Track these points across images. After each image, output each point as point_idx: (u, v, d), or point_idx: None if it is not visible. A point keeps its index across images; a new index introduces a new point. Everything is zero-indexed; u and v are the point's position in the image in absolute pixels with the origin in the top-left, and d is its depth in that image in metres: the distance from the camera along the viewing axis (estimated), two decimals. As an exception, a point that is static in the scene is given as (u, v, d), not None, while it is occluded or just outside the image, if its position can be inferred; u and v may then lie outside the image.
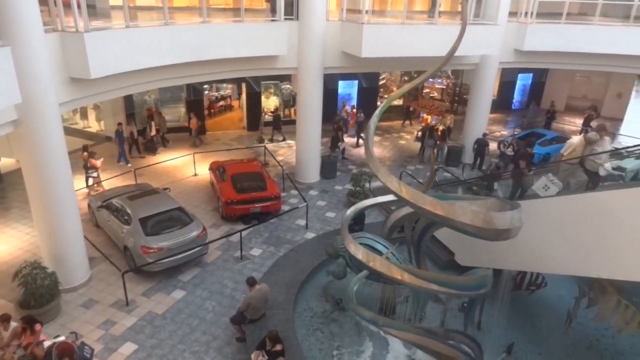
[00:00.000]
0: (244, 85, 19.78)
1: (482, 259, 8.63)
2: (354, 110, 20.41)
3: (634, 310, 7.87)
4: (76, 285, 9.57)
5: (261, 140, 18.59)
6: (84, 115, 19.42)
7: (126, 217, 10.47)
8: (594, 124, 20.67)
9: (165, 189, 12.92)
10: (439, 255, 10.41)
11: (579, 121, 21.89)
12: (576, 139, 9.18)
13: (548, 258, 7.64)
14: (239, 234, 11.03)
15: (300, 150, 14.94)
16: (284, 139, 19.10)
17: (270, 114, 19.72)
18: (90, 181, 13.72)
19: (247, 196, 12.27)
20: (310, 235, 11.99)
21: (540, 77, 25.34)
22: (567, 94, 25.75)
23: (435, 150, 17.25)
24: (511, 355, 8.26)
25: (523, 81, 25.32)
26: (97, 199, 11.85)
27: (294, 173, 15.29)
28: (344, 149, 17.54)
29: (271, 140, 18.84)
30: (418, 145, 18.45)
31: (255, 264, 10.72)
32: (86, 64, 8.36)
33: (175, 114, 19.46)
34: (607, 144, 9.17)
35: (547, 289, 9.46)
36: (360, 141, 18.58)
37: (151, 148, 17.08)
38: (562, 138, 18.90)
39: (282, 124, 19.48)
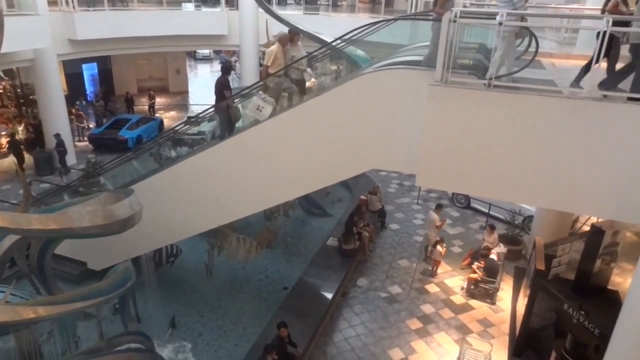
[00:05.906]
0: None
1: (116, 255, 8.42)
2: None
3: (250, 241, 9.73)
4: None
5: None
6: None
7: None
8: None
9: None
10: (70, 271, 9.44)
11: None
12: (274, 46, 8.55)
13: (175, 227, 8.31)
14: None
15: None
16: None
17: None
18: None
19: None
20: None
21: (105, 65, 25.33)
22: (136, 77, 27.05)
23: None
24: (177, 327, 8.73)
25: (90, 71, 24.76)
26: None
27: None
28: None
29: None
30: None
31: None
32: None
33: None
34: (302, 50, 8.96)
35: (183, 255, 10.32)
36: None
37: None
38: (147, 118, 20.09)
39: None
